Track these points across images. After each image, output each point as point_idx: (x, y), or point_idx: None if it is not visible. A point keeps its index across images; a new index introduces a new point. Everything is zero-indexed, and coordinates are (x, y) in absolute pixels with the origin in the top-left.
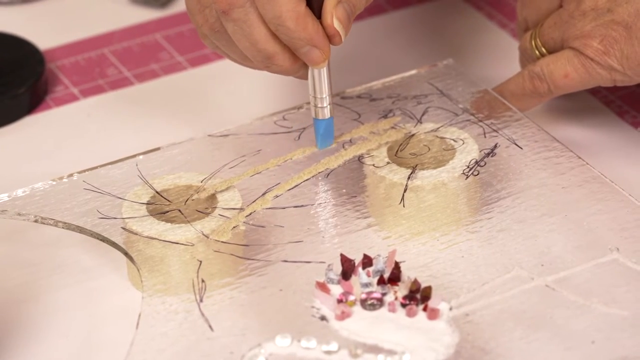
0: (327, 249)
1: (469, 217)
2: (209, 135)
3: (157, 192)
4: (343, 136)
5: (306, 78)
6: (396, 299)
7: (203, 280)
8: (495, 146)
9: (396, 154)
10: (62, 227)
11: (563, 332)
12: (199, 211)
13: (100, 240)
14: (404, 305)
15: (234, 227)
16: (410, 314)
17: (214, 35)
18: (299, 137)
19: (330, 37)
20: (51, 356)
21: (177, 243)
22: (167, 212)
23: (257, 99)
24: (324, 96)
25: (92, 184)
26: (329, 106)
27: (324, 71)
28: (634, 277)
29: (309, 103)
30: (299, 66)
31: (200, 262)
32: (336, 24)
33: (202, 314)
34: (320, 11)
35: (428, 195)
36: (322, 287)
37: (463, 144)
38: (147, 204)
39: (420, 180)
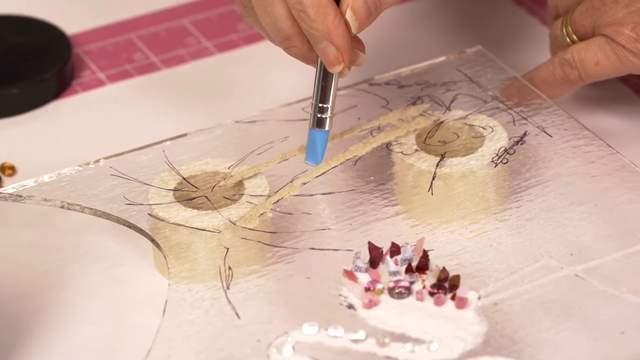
0: (354, 237)
1: (498, 205)
2: (236, 122)
3: (184, 178)
4: (371, 123)
5: None
6: (424, 287)
7: (230, 268)
8: (525, 134)
9: (425, 142)
10: (89, 213)
11: (592, 322)
12: (226, 198)
13: (127, 226)
14: (432, 294)
15: (261, 214)
16: (439, 303)
17: (244, 10)
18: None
19: None
20: (77, 342)
21: (204, 230)
22: (194, 198)
23: (285, 85)
24: (328, 105)
25: (119, 170)
26: (330, 118)
27: (334, 77)
28: None
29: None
30: (317, 55)
31: (227, 249)
32: (348, 15)
33: (229, 302)
34: None
35: (457, 183)
36: (350, 275)
37: (492, 131)
38: (173, 190)
39: (449, 168)
